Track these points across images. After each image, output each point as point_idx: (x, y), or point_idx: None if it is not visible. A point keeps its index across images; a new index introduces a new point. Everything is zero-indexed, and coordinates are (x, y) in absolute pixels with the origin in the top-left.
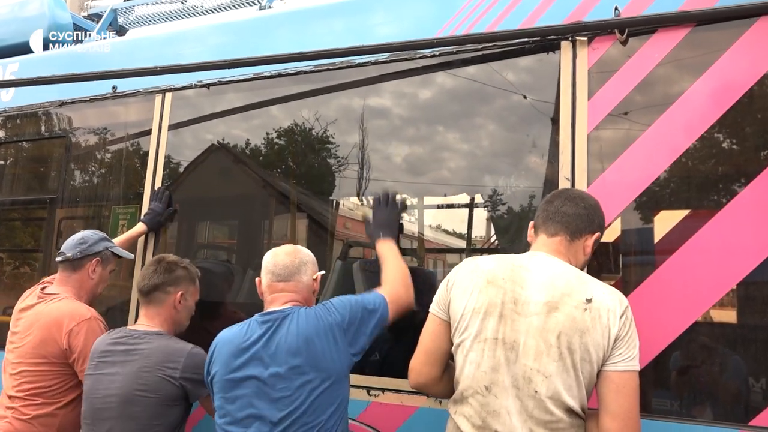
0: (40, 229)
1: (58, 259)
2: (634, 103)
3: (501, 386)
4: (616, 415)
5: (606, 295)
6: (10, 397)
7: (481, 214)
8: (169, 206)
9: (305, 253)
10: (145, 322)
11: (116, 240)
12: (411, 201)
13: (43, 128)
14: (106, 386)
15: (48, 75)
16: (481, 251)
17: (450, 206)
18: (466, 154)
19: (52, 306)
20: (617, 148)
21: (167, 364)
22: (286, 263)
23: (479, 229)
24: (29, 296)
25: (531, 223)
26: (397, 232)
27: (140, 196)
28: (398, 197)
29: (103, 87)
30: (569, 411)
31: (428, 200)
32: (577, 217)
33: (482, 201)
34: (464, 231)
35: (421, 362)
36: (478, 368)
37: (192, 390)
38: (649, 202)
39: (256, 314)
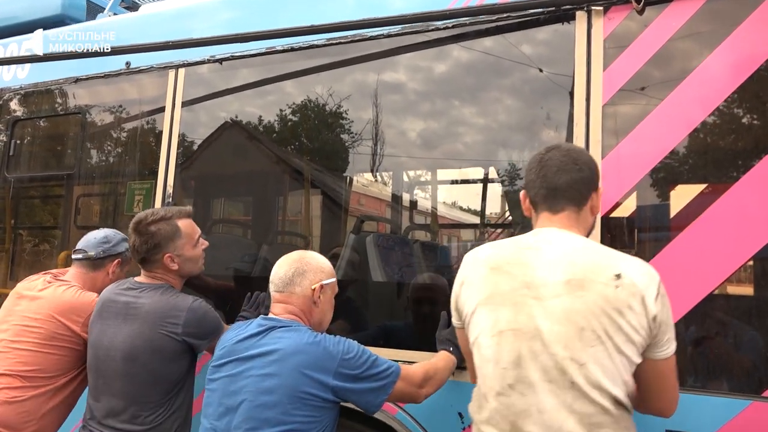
0: (57, 205)
1: (77, 256)
2: (650, 74)
3: (527, 382)
4: (662, 397)
5: (635, 270)
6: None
7: (494, 189)
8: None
9: (307, 262)
10: (148, 275)
11: None
12: (426, 176)
13: (58, 105)
14: (110, 338)
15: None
16: (495, 226)
17: (465, 181)
18: (480, 126)
19: (65, 292)
20: (632, 120)
21: (168, 320)
22: (280, 274)
23: (493, 204)
24: (33, 282)
25: (523, 194)
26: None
27: (155, 172)
28: None
29: (118, 64)
30: (615, 401)
31: (442, 174)
32: (578, 183)
33: (496, 175)
34: (478, 205)
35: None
36: (497, 365)
37: (196, 343)
38: (664, 175)
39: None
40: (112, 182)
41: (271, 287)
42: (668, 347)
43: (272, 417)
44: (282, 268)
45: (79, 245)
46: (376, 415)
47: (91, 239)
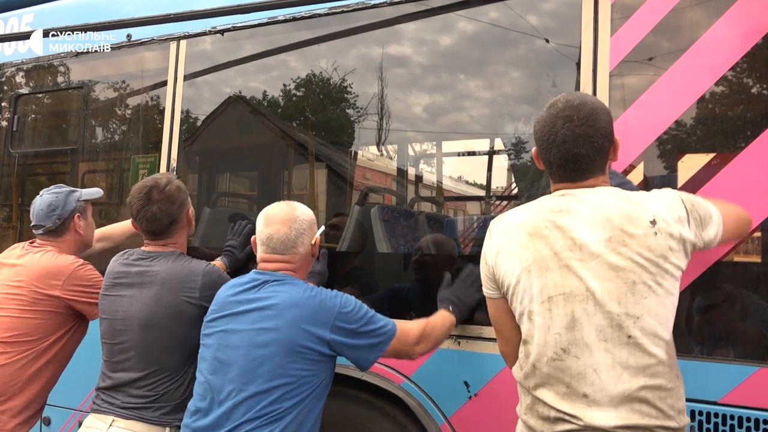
0: (62, 180)
1: (38, 232)
2: (658, 39)
3: (581, 344)
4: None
5: (663, 206)
6: None
7: (499, 160)
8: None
9: (302, 219)
10: (158, 243)
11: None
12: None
13: (60, 79)
14: (126, 308)
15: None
16: (500, 198)
17: (470, 153)
18: (483, 95)
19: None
20: (640, 86)
21: (186, 285)
22: (281, 237)
23: (499, 175)
24: (12, 250)
25: (534, 151)
26: (466, 313)
27: (158, 145)
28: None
29: (120, 37)
30: (666, 345)
31: (447, 146)
32: (597, 141)
33: (501, 146)
34: (482, 176)
35: (510, 351)
36: (549, 331)
37: None
38: (671, 143)
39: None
40: (116, 157)
41: (265, 249)
42: (713, 217)
43: (267, 371)
44: (279, 230)
45: (33, 220)
46: (383, 385)
47: (38, 212)
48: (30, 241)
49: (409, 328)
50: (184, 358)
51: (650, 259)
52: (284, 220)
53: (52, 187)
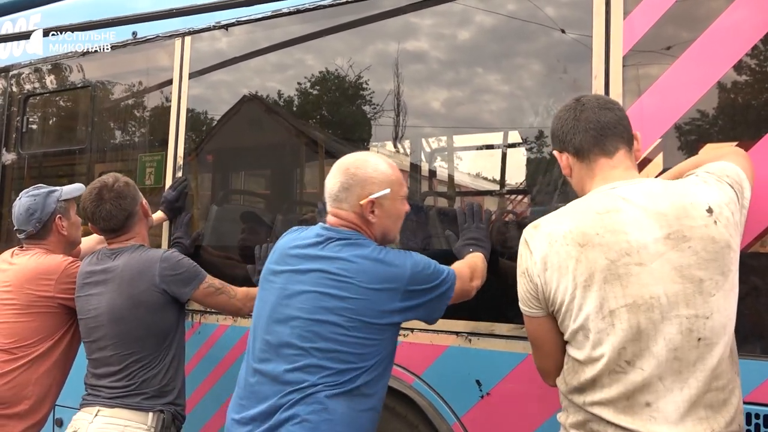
0: (72, 180)
1: (21, 236)
2: (673, 21)
3: (647, 356)
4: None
5: (712, 191)
6: None
7: (512, 151)
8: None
9: (353, 174)
10: (120, 240)
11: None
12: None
13: (68, 79)
14: (95, 306)
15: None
16: (513, 192)
17: (489, 146)
18: (497, 85)
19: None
20: (655, 71)
21: (145, 273)
22: (329, 186)
23: (513, 167)
24: (3, 255)
25: (559, 154)
26: (489, 247)
27: (165, 143)
28: (485, 212)
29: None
30: (730, 342)
31: (458, 139)
32: (623, 120)
33: (513, 135)
34: (497, 167)
35: (551, 366)
36: (612, 347)
37: (178, 292)
38: (689, 128)
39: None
40: (123, 156)
41: (325, 199)
42: (743, 178)
43: (329, 336)
44: (330, 180)
45: (14, 224)
46: (393, 385)
47: (19, 216)
48: (19, 246)
49: (460, 267)
50: (158, 344)
51: (716, 251)
52: (337, 171)
53: (30, 188)
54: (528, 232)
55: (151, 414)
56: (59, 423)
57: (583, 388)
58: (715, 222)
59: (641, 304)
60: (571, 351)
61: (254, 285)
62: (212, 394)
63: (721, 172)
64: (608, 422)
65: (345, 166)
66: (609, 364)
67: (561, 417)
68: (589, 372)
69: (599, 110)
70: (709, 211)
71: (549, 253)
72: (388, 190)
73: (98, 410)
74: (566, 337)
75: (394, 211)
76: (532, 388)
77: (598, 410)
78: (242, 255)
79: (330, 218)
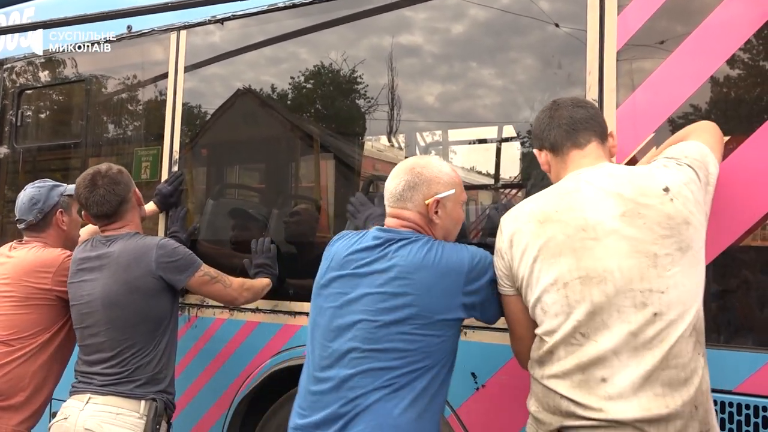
0: (68, 174)
1: (21, 226)
2: (667, 16)
3: (602, 329)
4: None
5: (671, 173)
6: None
7: (506, 146)
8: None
9: (418, 173)
10: (114, 228)
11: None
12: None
13: (63, 73)
14: (89, 292)
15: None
16: (507, 186)
17: (483, 141)
18: (492, 79)
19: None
20: (649, 65)
21: (141, 258)
22: (391, 188)
23: (507, 161)
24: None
25: (538, 151)
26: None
27: (161, 137)
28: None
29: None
30: (695, 321)
31: (452, 133)
32: (595, 117)
33: (507, 129)
34: (491, 161)
35: (524, 349)
36: (567, 318)
37: (173, 279)
38: (682, 124)
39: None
40: (118, 150)
41: (385, 200)
42: (706, 154)
43: (394, 337)
44: (393, 180)
45: (16, 214)
46: None
47: (21, 206)
48: (18, 239)
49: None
50: (151, 331)
51: (671, 227)
52: (401, 172)
53: (36, 181)
54: (503, 217)
55: (143, 402)
56: (55, 416)
57: (542, 361)
58: (672, 200)
59: (594, 276)
60: (536, 329)
61: (250, 279)
62: (209, 388)
63: (680, 154)
64: (562, 396)
65: (410, 166)
66: (565, 337)
67: (527, 402)
68: (547, 344)
69: (572, 108)
70: (666, 190)
71: (515, 231)
72: (453, 191)
73: (89, 398)
74: (530, 312)
75: (455, 214)
76: (527, 381)
77: (553, 383)
78: (238, 249)
79: (390, 220)
